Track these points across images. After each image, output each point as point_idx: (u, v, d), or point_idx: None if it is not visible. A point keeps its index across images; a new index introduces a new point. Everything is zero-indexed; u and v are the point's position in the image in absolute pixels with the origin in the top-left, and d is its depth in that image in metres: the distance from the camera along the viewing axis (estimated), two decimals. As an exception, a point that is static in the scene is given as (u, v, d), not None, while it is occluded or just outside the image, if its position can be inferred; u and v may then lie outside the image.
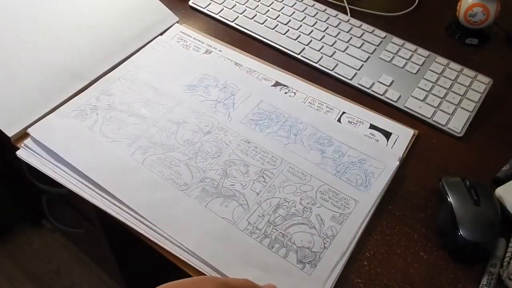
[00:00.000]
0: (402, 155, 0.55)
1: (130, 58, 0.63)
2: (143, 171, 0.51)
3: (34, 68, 0.59)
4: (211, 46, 0.65)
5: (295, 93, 0.60)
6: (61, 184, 0.51)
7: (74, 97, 0.58)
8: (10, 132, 0.54)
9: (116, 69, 0.61)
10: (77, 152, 0.52)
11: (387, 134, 0.57)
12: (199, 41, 0.66)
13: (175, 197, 0.49)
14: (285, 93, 0.60)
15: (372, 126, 0.58)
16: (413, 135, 0.57)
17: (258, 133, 0.55)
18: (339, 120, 0.58)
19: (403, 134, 0.57)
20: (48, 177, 0.51)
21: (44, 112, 0.56)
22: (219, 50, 0.65)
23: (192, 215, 0.48)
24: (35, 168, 0.52)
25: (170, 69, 0.62)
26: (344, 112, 0.59)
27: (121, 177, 0.50)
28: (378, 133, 0.57)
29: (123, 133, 0.54)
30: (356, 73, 0.64)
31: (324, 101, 0.60)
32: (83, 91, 0.59)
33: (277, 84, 0.61)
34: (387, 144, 0.56)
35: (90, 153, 0.52)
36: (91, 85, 0.59)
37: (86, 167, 0.50)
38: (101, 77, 0.60)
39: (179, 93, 0.59)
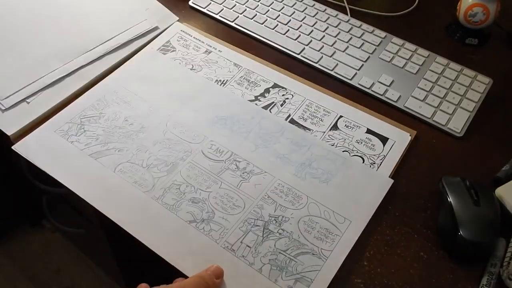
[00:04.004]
0: (392, 171, 0.54)
1: (125, 64, 0.63)
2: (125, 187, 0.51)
3: (34, 66, 0.59)
4: (210, 46, 0.65)
5: (292, 95, 0.60)
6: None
7: (74, 96, 0.58)
8: (9, 131, 0.54)
9: (111, 75, 0.61)
10: (62, 168, 0.52)
11: (383, 139, 0.56)
12: (199, 40, 0.66)
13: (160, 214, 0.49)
14: (283, 95, 0.60)
15: (369, 131, 0.57)
16: (410, 140, 0.57)
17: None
18: (336, 124, 0.58)
19: (400, 139, 0.57)
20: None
21: (44, 111, 0.56)
22: (219, 50, 0.65)
23: (179, 234, 0.48)
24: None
25: (160, 80, 0.61)
26: (341, 116, 0.58)
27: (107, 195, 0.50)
28: (375, 138, 0.57)
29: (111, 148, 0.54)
30: (356, 73, 0.64)
31: (322, 104, 0.60)
32: (83, 91, 0.59)
33: (275, 86, 0.61)
34: (382, 149, 0.56)
35: (76, 169, 0.52)
36: (90, 86, 0.59)
37: (72, 183, 0.50)
38: (100, 77, 0.60)
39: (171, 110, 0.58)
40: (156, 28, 0.66)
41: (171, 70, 0.62)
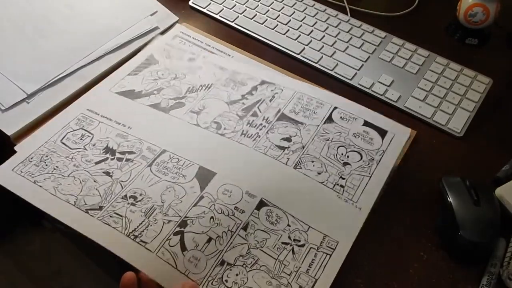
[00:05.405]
0: (392, 168, 0.52)
1: (119, 68, 0.62)
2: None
3: (34, 66, 0.59)
4: (209, 45, 0.65)
5: (282, 90, 0.58)
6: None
7: (74, 96, 0.58)
8: (9, 131, 0.54)
9: (105, 80, 0.60)
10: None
11: (382, 133, 0.54)
12: (199, 40, 0.66)
13: None
14: (271, 90, 0.58)
15: (366, 123, 0.55)
16: (411, 135, 0.55)
17: None
18: (330, 116, 0.55)
19: (400, 133, 0.54)
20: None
21: (44, 111, 0.56)
22: (203, 56, 0.64)
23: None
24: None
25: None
26: (336, 107, 0.56)
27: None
28: (373, 130, 0.54)
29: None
30: (356, 73, 0.64)
31: (314, 96, 0.57)
32: (83, 91, 0.59)
33: (263, 82, 0.60)
34: (381, 143, 0.53)
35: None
36: (90, 86, 0.59)
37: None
38: (100, 77, 0.60)
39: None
40: (156, 28, 0.66)
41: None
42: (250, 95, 0.58)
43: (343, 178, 0.51)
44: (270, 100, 0.57)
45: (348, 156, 0.52)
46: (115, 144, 0.53)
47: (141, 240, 0.45)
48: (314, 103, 0.56)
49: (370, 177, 0.51)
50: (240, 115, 0.56)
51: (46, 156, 0.52)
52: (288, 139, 0.53)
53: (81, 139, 0.54)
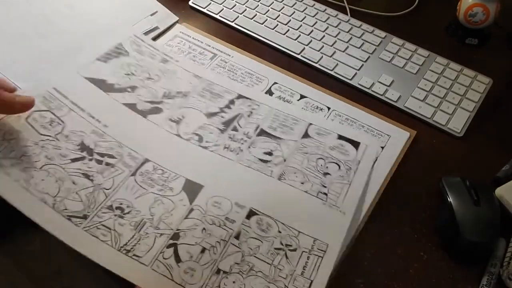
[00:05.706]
0: (368, 175, 0.53)
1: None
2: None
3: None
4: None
5: (258, 105, 0.58)
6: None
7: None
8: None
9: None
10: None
11: (355, 144, 0.55)
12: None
13: None
14: (249, 105, 0.58)
15: (340, 137, 0.56)
16: (410, 135, 0.56)
17: None
18: (306, 132, 0.56)
19: (373, 143, 0.55)
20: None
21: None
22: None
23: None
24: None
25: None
26: (311, 124, 0.57)
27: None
28: (347, 143, 0.55)
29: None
30: (356, 73, 0.64)
31: (289, 113, 0.58)
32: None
33: (239, 96, 0.58)
34: (356, 154, 0.54)
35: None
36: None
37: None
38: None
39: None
40: (156, 28, 0.66)
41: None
42: (228, 108, 0.58)
43: (325, 187, 0.52)
44: (249, 116, 0.57)
45: (327, 167, 0.53)
46: (92, 142, 0.51)
47: (134, 255, 0.44)
48: (290, 120, 0.57)
49: (350, 184, 0.52)
50: (221, 128, 0.56)
51: (11, 134, 0.48)
52: (270, 153, 0.54)
53: (50, 124, 0.51)
